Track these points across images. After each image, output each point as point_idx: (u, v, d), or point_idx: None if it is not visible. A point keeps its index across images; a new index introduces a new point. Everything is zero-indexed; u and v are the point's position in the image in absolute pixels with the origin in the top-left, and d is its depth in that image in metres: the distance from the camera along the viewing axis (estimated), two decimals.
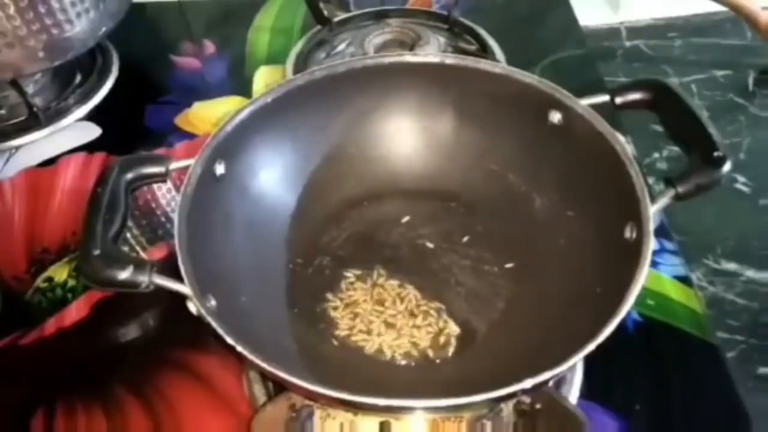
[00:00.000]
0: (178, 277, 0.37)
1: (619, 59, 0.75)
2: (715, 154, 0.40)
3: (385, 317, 0.46)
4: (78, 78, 0.69)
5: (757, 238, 0.56)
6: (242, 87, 0.69)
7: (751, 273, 0.54)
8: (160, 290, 0.37)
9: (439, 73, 0.49)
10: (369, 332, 0.45)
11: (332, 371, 0.42)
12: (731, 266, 0.54)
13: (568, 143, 0.45)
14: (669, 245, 0.53)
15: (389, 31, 0.69)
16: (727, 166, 0.40)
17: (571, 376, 0.44)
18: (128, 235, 0.54)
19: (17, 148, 0.63)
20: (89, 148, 0.63)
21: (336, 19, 0.71)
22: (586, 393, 0.44)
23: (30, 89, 0.66)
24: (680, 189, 0.40)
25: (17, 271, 0.53)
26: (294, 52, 0.70)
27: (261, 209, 0.48)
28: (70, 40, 0.60)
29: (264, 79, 0.70)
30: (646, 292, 0.50)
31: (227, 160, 0.45)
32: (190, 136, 0.64)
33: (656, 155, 0.63)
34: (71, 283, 0.52)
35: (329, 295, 0.47)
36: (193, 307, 0.36)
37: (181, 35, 0.76)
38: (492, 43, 0.69)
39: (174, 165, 0.43)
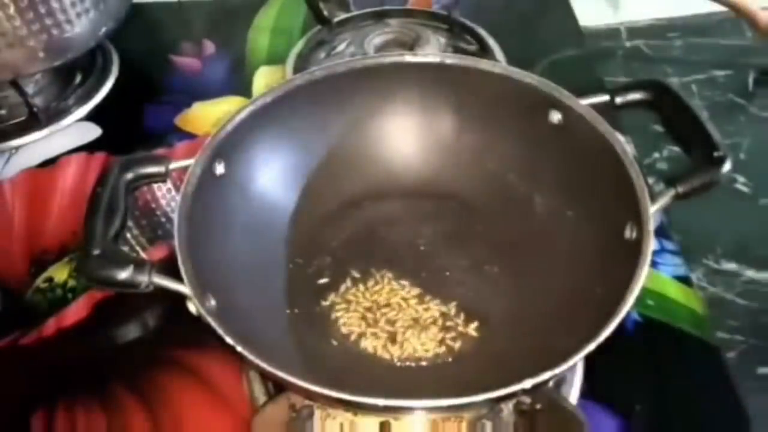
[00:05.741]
0: (178, 277, 0.37)
1: (619, 59, 0.75)
2: (715, 154, 0.40)
3: (385, 317, 0.46)
4: (78, 78, 0.69)
5: (757, 238, 0.56)
6: (242, 87, 0.69)
7: (751, 273, 0.54)
8: (160, 290, 0.37)
9: (439, 73, 0.49)
10: (368, 332, 0.45)
11: (332, 371, 0.42)
12: (731, 266, 0.54)
13: (568, 143, 0.45)
14: (669, 245, 0.53)
15: (389, 31, 0.69)
16: (727, 166, 0.40)
17: (571, 376, 0.44)
18: (128, 235, 0.54)
19: (17, 148, 0.63)
20: (89, 148, 0.63)
21: (336, 19, 0.71)
22: (586, 393, 0.44)
23: (30, 89, 0.66)
24: (680, 189, 0.40)
25: (17, 271, 0.53)
26: (294, 52, 0.70)
27: (261, 209, 0.48)
28: (70, 40, 0.60)
29: (264, 79, 0.70)
30: (646, 292, 0.50)
31: (227, 160, 0.44)
32: (190, 136, 0.64)
33: (656, 155, 0.63)
34: (71, 283, 0.52)
35: (329, 295, 0.47)
36: (192, 307, 0.36)
37: (181, 35, 0.76)
38: (492, 43, 0.69)
39: (174, 165, 0.43)
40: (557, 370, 0.33)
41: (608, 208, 0.42)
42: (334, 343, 0.45)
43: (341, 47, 0.68)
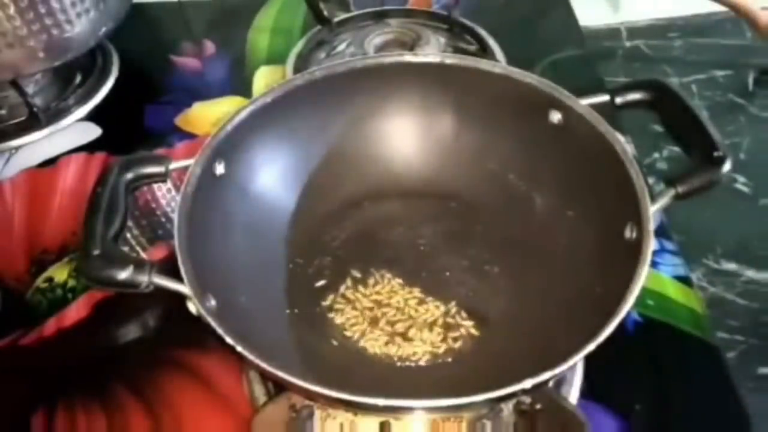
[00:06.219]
0: (178, 277, 0.37)
1: (619, 59, 0.75)
2: (715, 154, 0.40)
3: (385, 317, 0.46)
4: (78, 78, 0.69)
5: (757, 238, 0.56)
6: (242, 87, 0.69)
7: (751, 273, 0.54)
8: (160, 290, 0.37)
9: (439, 73, 0.49)
10: (368, 332, 0.45)
11: (332, 371, 0.42)
12: (731, 266, 0.54)
13: (568, 143, 0.45)
14: (669, 245, 0.53)
15: (389, 31, 0.69)
16: (727, 166, 0.40)
17: (571, 376, 0.44)
18: (128, 235, 0.54)
19: (17, 148, 0.63)
20: (89, 148, 0.63)
21: (336, 19, 0.71)
22: (586, 393, 0.44)
23: (30, 89, 0.66)
24: (680, 189, 0.40)
25: (17, 271, 0.53)
26: (294, 52, 0.70)
27: (261, 209, 0.48)
28: (70, 40, 0.60)
29: (264, 79, 0.70)
30: (645, 292, 0.50)
31: (227, 160, 0.45)
32: (190, 136, 0.64)
33: (656, 155, 0.63)
34: (71, 283, 0.52)
35: (329, 295, 0.47)
36: (192, 307, 0.36)
37: (181, 35, 0.76)
38: (492, 43, 0.69)
39: (174, 165, 0.43)
40: (557, 370, 0.33)
41: (608, 208, 0.42)
42: (334, 343, 0.45)
43: (341, 47, 0.68)
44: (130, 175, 0.42)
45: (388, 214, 0.52)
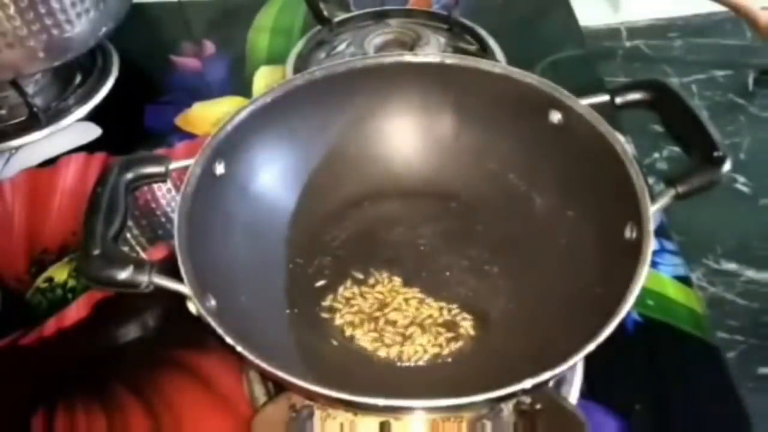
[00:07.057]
0: (178, 277, 0.37)
1: (619, 59, 0.75)
2: (715, 154, 0.40)
3: (385, 317, 0.46)
4: (78, 78, 0.69)
5: (757, 238, 0.56)
6: (242, 87, 0.69)
7: (751, 273, 0.54)
8: (160, 290, 0.37)
9: (439, 73, 0.49)
10: (368, 332, 0.45)
11: (332, 371, 0.42)
12: (731, 266, 0.54)
13: (568, 143, 0.45)
14: (669, 245, 0.53)
15: (389, 31, 0.69)
16: (727, 166, 0.40)
17: (571, 376, 0.44)
18: (128, 235, 0.54)
19: (17, 148, 0.63)
20: (89, 148, 0.63)
21: (336, 19, 0.71)
22: (586, 393, 0.44)
23: (30, 89, 0.66)
24: (680, 189, 0.40)
25: (17, 271, 0.53)
26: (294, 52, 0.70)
27: (261, 209, 0.48)
28: (70, 40, 0.60)
29: (264, 79, 0.70)
30: (645, 292, 0.50)
31: (227, 160, 0.45)
32: (190, 136, 0.64)
33: (656, 155, 0.63)
34: (71, 283, 0.52)
35: (329, 295, 0.47)
36: (192, 307, 0.36)
37: (181, 35, 0.76)
38: (492, 43, 0.69)
39: (174, 165, 0.43)
40: (557, 370, 0.33)
41: (608, 208, 0.42)
42: (334, 343, 0.45)
43: (341, 47, 0.68)
44: (130, 175, 0.42)
45: (388, 214, 0.52)
